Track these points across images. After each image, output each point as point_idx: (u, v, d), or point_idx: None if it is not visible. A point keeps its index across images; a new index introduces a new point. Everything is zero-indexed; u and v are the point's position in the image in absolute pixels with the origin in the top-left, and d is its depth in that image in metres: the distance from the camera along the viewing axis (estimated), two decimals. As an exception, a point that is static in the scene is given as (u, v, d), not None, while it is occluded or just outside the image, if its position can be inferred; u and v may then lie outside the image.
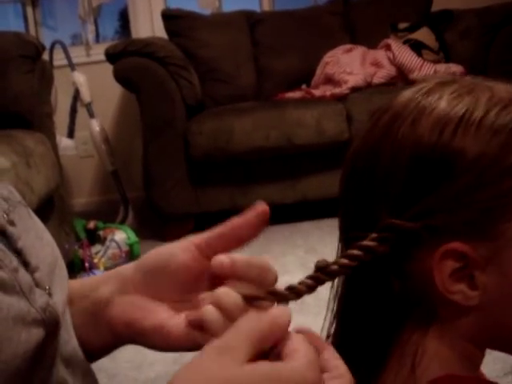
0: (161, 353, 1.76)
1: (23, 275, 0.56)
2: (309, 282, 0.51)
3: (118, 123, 4.09)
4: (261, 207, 0.55)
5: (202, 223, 3.22)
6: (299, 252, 2.77)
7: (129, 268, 0.63)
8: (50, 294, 0.59)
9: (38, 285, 0.57)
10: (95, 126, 3.47)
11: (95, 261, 2.69)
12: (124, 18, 4.33)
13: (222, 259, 0.55)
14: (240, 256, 0.56)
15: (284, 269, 2.54)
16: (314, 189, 3.15)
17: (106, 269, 2.69)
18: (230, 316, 0.49)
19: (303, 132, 3.04)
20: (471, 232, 0.50)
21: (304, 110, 3.10)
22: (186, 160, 3.10)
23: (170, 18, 3.61)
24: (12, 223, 0.59)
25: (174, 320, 0.59)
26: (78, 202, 4.08)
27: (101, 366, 1.98)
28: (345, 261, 0.50)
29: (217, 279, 0.57)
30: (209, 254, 0.59)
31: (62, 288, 0.63)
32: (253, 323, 0.47)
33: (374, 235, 0.51)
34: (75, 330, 0.65)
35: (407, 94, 0.56)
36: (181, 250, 0.60)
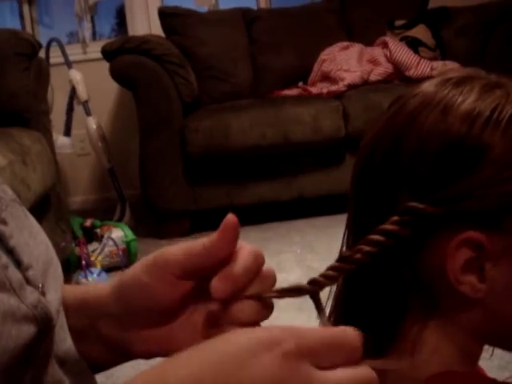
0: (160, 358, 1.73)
1: (13, 272, 0.56)
2: (330, 273, 0.51)
3: (114, 121, 4.09)
4: (230, 220, 0.54)
5: (198, 221, 3.22)
6: (296, 249, 2.77)
7: (102, 299, 0.62)
8: (43, 293, 0.59)
9: (30, 283, 0.57)
10: (92, 123, 3.47)
11: (92, 259, 2.69)
12: (120, 16, 4.33)
13: (221, 288, 0.52)
14: (236, 269, 0.54)
15: (280, 266, 2.54)
16: (310, 186, 3.15)
17: (103, 267, 2.69)
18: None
19: (300, 129, 3.04)
20: (489, 224, 0.51)
21: (301, 107, 3.10)
22: (182, 158, 3.10)
23: (167, 15, 3.61)
24: (3, 222, 0.58)
25: (194, 340, 0.54)
26: (75, 200, 4.07)
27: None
28: (367, 248, 0.50)
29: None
30: (187, 277, 0.57)
31: (56, 287, 0.63)
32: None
33: (395, 218, 0.51)
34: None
35: (434, 82, 0.56)
36: (156, 283, 0.57)
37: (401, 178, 0.53)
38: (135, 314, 0.60)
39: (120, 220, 3.39)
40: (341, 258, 0.51)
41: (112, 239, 2.76)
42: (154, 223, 3.28)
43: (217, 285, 0.52)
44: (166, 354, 0.60)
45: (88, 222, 2.91)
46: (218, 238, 0.55)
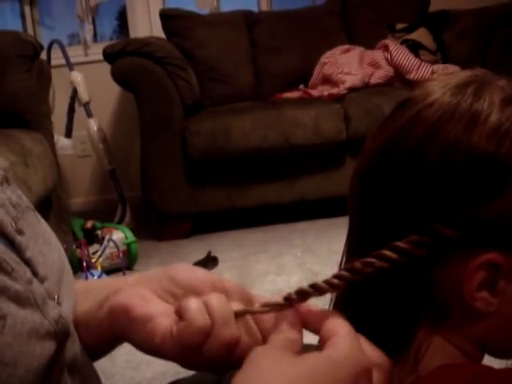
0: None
1: (37, 287, 0.56)
2: (335, 281, 0.52)
3: (115, 123, 4.09)
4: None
5: (199, 223, 3.23)
6: (296, 251, 2.77)
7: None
8: (58, 304, 0.58)
9: (47, 295, 0.57)
10: (93, 125, 3.47)
11: (93, 260, 2.69)
12: (122, 18, 4.33)
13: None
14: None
15: (281, 269, 2.55)
16: (311, 189, 3.15)
17: (104, 269, 2.69)
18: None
19: (301, 132, 3.05)
20: (506, 244, 0.50)
21: (302, 110, 3.10)
22: (183, 160, 3.10)
23: (168, 17, 3.61)
24: (20, 232, 0.58)
25: (163, 317, 0.59)
26: (76, 202, 4.08)
27: (98, 366, 1.98)
28: (379, 263, 0.50)
29: None
30: None
31: (70, 295, 0.63)
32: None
33: (414, 237, 0.50)
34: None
35: (448, 89, 0.54)
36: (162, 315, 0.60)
37: (421, 195, 0.51)
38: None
39: (121, 222, 3.39)
40: (350, 269, 0.51)
41: (113, 241, 2.76)
42: (155, 225, 3.28)
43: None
44: (145, 346, 0.61)
45: (89, 224, 2.91)
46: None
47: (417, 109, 0.53)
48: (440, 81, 0.55)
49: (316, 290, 0.53)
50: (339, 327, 0.50)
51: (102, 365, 2.05)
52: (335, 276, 0.52)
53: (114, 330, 0.63)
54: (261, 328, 0.60)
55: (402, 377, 0.53)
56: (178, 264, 0.64)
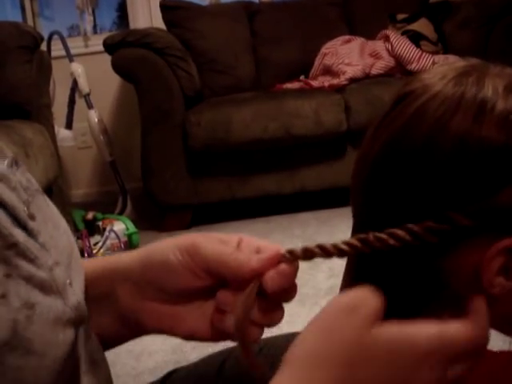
0: (160, 342, 1.78)
1: (58, 273, 0.55)
2: (344, 247, 0.52)
3: (116, 114, 4.08)
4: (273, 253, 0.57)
5: (200, 214, 3.23)
6: (297, 242, 2.77)
7: (131, 265, 0.64)
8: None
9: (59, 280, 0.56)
10: (93, 116, 3.47)
11: (94, 251, 2.70)
12: (122, 9, 4.32)
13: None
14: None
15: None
16: (312, 179, 3.15)
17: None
18: None
19: (301, 123, 3.04)
20: None
21: (302, 100, 3.09)
22: (184, 151, 3.10)
23: (169, 8, 3.60)
24: (32, 217, 0.57)
25: (202, 328, 0.61)
26: (77, 193, 4.08)
27: (100, 356, 1.98)
28: (390, 240, 0.50)
29: None
30: (209, 275, 0.60)
31: (80, 279, 0.62)
32: None
33: (429, 223, 0.50)
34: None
35: (449, 79, 0.53)
36: (182, 268, 0.60)
37: (434, 186, 0.51)
38: (155, 288, 0.61)
39: (121, 213, 3.40)
40: (361, 239, 0.51)
41: (114, 232, 2.77)
42: (156, 216, 3.28)
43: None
44: (172, 332, 0.62)
45: (90, 215, 2.92)
46: (266, 263, 0.57)
47: (421, 102, 0.53)
48: (437, 72, 0.55)
49: (322, 250, 0.53)
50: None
51: (103, 355, 2.04)
52: (344, 242, 0.52)
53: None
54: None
55: None
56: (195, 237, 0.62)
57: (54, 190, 2.60)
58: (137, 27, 3.89)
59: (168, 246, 0.61)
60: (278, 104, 3.08)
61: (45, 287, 0.52)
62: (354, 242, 0.52)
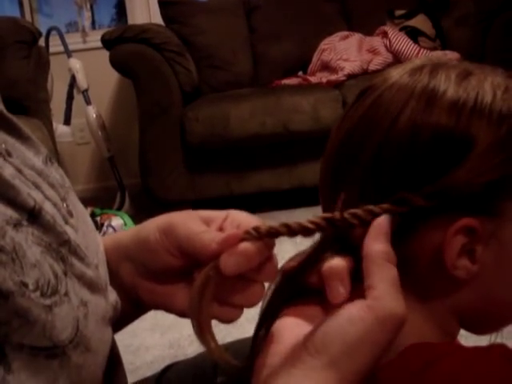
0: (157, 337, 1.78)
1: (101, 272, 0.56)
2: (308, 225, 0.53)
3: (114, 110, 4.08)
4: (233, 234, 0.55)
5: (198, 209, 3.23)
6: (295, 238, 2.76)
7: (128, 245, 0.64)
8: None
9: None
10: (91, 112, 3.47)
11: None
12: (120, 5, 4.32)
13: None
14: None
15: (280, 255, 2.54)
16: (310, 175, 3.15)
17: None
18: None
19: (299, 119, 3.04)
20: (480, 209, 0.52)
21: (300, 96, 3.10)
22: (182, 146, 3.11)
23: (167, 4, 3.60)
24: (71, 214, 0.56)
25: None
26: (75, 189, 3.96)
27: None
28: (352, 219, 0.51)
29: None
30: (186, 256, 0.59)
31: (107, 276, 0.62)
32: None
33: (386, 205, 0.51)
34: None
35: (406, 71, 0.56)
36: (162, 249, 0.59)
37: (390, 170, 0.53)
38: (144, 267, 0.62)
39: (120, 208, 3.40)
40: (326, 218, 0.52)
41: (112, 227, 2.77)
42: (154, 212, 3.26)
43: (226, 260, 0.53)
44: (166, 309, 0.62)
45: (88, 210, 2.92)
46: (224, 243, 0.55)
47: (378, 93, 0.56)
48: (397, 67, 0.58)
49: (287, 228, 0.54)
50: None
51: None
52: (309, 220, 0.53)
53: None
54: None
55: None
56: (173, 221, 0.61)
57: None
58: (135, 23, 3.88)
59: (150, 226, 0.61)
60: (275, 100, 3.08)
61: (92, 286, 0.53)
62: (319, 220, 0.53)
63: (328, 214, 0.53)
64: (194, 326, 0.53)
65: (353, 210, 0.52)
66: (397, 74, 0.56)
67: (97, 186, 4.12)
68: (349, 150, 0.56)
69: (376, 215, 0.51)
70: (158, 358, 1.88)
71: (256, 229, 0.54)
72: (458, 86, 0.53)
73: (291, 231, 0.54)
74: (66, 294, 0.49)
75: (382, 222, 0.51)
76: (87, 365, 0.50)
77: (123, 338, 2.03)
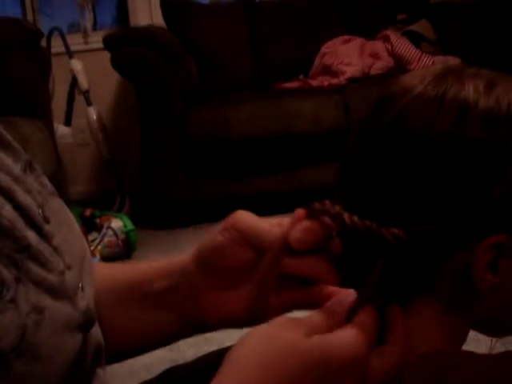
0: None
1: (69, 278, 0.55)
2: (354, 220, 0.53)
3: (115, 111, 4.08)
4: (299, 213, 0.59)
5: (198, 212, 3.22)
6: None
7: (185, 261, 0.65)
8: (83, 293, 0.58)
9: (71, 284, 0.56)
10: (92, 114, 3.46)
11: (91, 248, 2.69)
12: (122, 6, 4.31)
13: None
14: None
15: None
16: (311, 179, 3.14)
17: (103, 257, 2.69)
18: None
19: (300, 122, 3.04)
20: (509, 224, 0.51)
21: (301, 100, 3.09)
22: (183, 149, 3.10)
23: (169, 6, 3.60)
24: (47, 220, 0.56)
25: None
26: (75, 190, 4.07)
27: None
28: (388, 236, 0.50)
29: None
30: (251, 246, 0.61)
31: (91, 281, 0.62)
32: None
33: (426, 227, 0.50)
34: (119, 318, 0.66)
35: (429, 81, 0.53)
36: (229, 242, 0.61)
37: (426, 188, 0.50)
38: (208, 273, 0.62)
39: (119, 210, 3.39)
40: (365, 227, 0.51)
41: (112, 229, 2.76)
42: (154, 214, 3.28)
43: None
44: (230, 319, 0.63)
45: (87, 212, 2.91)
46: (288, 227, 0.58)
47: (402, 104, 0.53)
48: (415, 75, 0.55)
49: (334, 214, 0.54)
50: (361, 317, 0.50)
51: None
52: (353, 222, 0.53)
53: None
54: None
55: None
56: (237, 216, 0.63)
57: (53, 186, 2.60)
58: (137, 24, 3.88)
59: (214, 232, 0.62)
60: (277, 103, 3.08)
61: (55, 292, 0.52)
62: (360, 224, 0.52)
63: (369, 222, 0.52)
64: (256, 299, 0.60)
65: (395, 230, 0.50)
66: (419, 84, 0.53)
67: (97, 188, 4.10)
68: (374, 167, 0.53)
69: (415, 236, 0.50)
70: (157, 361, 1.87)
71: (316, 209, 0.57)
72: (488, 97, 0.51)
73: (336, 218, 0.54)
74: (13, 300, 0.48)
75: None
76: (35, 374, 0.49)
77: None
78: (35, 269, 0.51)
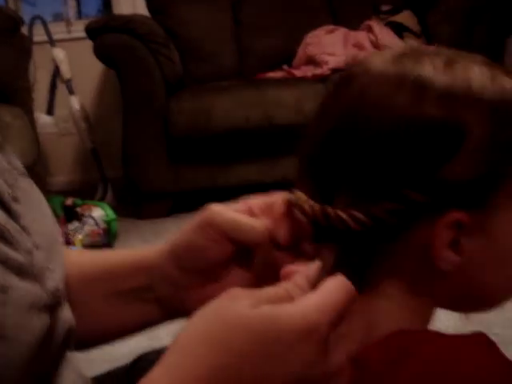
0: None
1: (37, 258, 0.55)
2: (306, 211, 0.54)
3: (98, 101, 4.06)
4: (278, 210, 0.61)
5: (180, 202, 3.22)
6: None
7: (159, 258, 0.64)
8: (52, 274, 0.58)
9: (39, 264, 0.56)
10: (75, 103, 3.45)
11: (72, 237, 2.68)
12: (106, -4, 4.29)
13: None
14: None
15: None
16: (293, 169, 3.13)
17: (84, 245, 2.68)
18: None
19: (283, 112, 3.04)
20: (469, 202, 0.51)
21: (285, 90, 3.09)
22: (165, 138, 3.09)
23: (152, -5, 3.59)
24: (16, 199, 0.56)
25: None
26: (58, 180, 4.05)
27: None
28: (350, 222, 0.51)
29: None
30: (229, 241, 0.61)
31: (60, 264, 0.62)
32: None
33: (387, 205, 0.50)
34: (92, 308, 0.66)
35: (388, 59, 0.54)
36: (206, 240, 0.60)
37: (384, 164, 0.51)
38: (188, 272, 0.61)
39: (102, 200, 3.38)
40: (323, 214, 0.52)
41: (92, 218, 2.75)
42: (136, 203, 3.27)
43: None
44: None
45: (69, 201, 2.90)
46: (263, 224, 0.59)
47: (362, 83, 0.53)
48: (376, 56, 0.55)
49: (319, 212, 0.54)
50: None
51: (78, 340, 2.03)
52: (308, 208, 0.54)
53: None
54: None
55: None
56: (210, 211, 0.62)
57: (34, 175, 2.58)
58: (120, 13, 3.86)
59: (187, 230, 0.62)
60: (259, 93, 3.07)
61: (21, 271, 0.51)
62: (318, 211, 0.53)
63: (324, 207, 0.53)
64: None
65: (355, 213, 0.51)
66: (380, 64, 0.54)
67: (80, 177, 4.09)
68: (335, 147, 0.54)
69: (376, 217, 0.50)
70: (137, 350, 1.86)
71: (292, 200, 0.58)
72: (447, 75, 0.51)
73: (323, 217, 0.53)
74: None
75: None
76: None
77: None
78: (1, 247, 0.50)
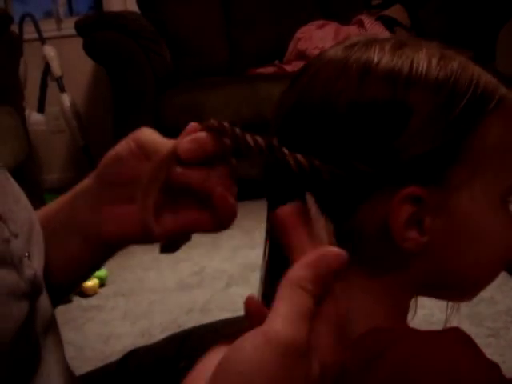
0: (128, 326, 1.78)
1: (15, 246, 0.55)
2: (250, 140, 0.59)
3: (89, 98, 4.05)
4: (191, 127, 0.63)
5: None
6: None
7: (87, 180, 0.66)
8: (30, 262, 0.57)
9: (17, 252, 0.55)
10: (66, 100, 3.43)
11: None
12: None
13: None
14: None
15: (253, 242, 2.57)
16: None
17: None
18: None
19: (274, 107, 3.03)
20: (425, 178, 0.51)
21: (276, 85, 3.07)
22: (157, 134, 3.08)
23: (143, -9, 3.58)
24: None
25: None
26: (50, 178, 4.04)
27: (69, 339, 1.97)
28: (290, 159, 0.53)
29: None
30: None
31: (40, 253, 0.62)
32: None
33: (334, 169, 0.51)
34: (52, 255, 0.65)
35: (340, 48, 0.56)
36: (132, 157, 0.62)
37: (335, 142, 0.52)
38: (108, 184, 0.63)
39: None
40: (269, 144, 0.56)
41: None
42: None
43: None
44: (134, 237, 0.63)
45: (60, 199, 2.88)
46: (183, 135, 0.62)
47: (314, 69, 0.56)
48: (335, 45, 0.58)
49: (232, 131, 0.60)
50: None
51: (72, 338, 2.05)
52: (253, 137, 0.59)
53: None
54: None
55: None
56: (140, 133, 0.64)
57: (25, 173, 2.58)
58: (111, 10, 3.85)
59: (117, 145, 0.64)
60: (251, 88, 3.07)
61: None
62: (261, 142, 0.58)
63: (276, 143, 0.55)
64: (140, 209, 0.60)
65: (299, 156, 0.52)
66: (332, 51, 0.56)
67: (72, 175, 4.08)
68: (292, 127, 0.57)
69: (316, 168, 0.51)
70: (129, 347, 1.85)
71: (210, 124, 0.60)
72: (392, 56, 0.53)
73: (234, 135, 0.60)
74: None
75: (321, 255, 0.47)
76: None
77: (94, 327, 2.02)
78: None
